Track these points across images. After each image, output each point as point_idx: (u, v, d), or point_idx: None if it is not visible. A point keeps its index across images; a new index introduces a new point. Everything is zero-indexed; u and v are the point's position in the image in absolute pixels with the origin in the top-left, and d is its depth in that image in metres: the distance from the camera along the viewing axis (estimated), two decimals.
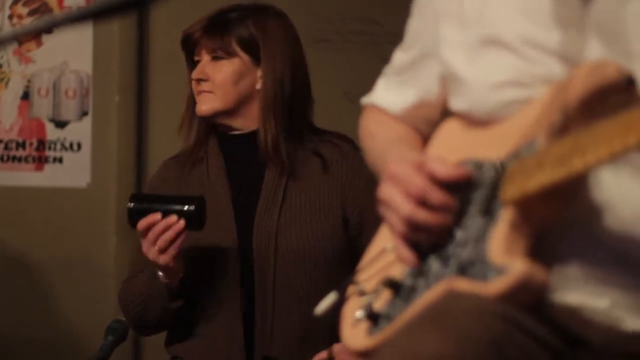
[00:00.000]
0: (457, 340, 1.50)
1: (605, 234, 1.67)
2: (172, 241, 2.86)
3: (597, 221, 1.68)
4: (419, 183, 1.73)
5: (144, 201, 2.95)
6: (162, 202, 2.92)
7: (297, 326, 2.92)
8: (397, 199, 1.75)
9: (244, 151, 3.06)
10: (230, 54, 3.02)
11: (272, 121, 3.00)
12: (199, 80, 3.03)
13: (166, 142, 3.60)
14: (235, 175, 3.06)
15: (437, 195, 1.73)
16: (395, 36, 2.06)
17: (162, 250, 2.86)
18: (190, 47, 3.07)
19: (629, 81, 1.62)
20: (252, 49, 3.02)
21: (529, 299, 1.63)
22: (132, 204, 2.94)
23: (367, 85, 2.13)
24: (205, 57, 3.03)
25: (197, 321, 3.01)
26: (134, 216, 2.91)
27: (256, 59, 3.03)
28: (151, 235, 2.87)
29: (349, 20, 3.86)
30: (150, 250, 2.88)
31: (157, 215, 2.88)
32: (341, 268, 2.93)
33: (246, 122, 3.05)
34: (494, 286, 1.61)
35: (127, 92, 3.98)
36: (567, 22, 1.71)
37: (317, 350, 2.92)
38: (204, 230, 2.92)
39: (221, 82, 3.01)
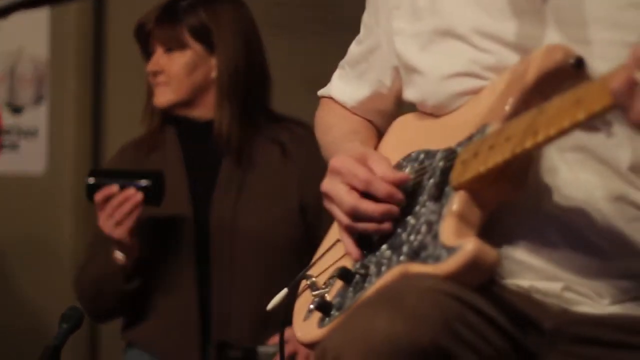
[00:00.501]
0: (408, 319, 1.51)
1: (557, 217, 1.69)
2: (128, 214, 2.85)
3: (549, 204, 1.69)
4: (362, 174, 1.75)
5: (103, 176, 2.95)
6: (121, 177, 2.92)
7: (253, 310, 2.92)
8: (340, 192, 1.76)
9: (202, 139, 3.06)
10: (183, 45, 3.01)
11: (227, 110, 3.00)
12: (154, 73, 3.02)
13: (123, 128, 3.57)
14: (192, 162, 3.06)
15: (381, 186, 1.75)
16: (353, 22, 2.06)
17: (118, 223, 2.86)
18: (143, 39, 3.06)
19: (577, 63, 1.63)
20: (204, 37, 3.01)
21: (481, 278, 1.65)
22: (91, 178, 2.93)
23: (325, 71, 2.14)
24: (158, 49, 3.02)
25: (152, 306, 3.00)
26: (92, 191, 2.91)
27: (209, 47, 3.02)
28: (108, 207, 2.86)
29: (306, 6, 3.85)
30: (107, 223, 2.87)
31: (115, 187, 2.87)
32: (299, 255, 2.93)
33: (203, 111, 3.04)
34: (446, 265, 1.63)
35: (84, 78, 3.94)
36: (523, 12, 1.72)
37: (273, 333, 2.92)
38: (160, 215, 2.91)
39: (175, 73, 3.01)
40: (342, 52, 2.08)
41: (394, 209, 1.75)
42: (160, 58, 3.02)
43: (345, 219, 1.77)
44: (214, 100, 3.02)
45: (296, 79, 3.64)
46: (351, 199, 1.75)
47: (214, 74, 3.02)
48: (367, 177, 1.75)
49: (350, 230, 1.79)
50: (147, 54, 3.06)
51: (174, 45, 3.01)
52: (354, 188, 1.76)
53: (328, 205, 1.81)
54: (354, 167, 1.76)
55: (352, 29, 2.05)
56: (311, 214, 2.97)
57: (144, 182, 2.89)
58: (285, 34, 3.74)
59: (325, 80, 2.12)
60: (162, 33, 3.01)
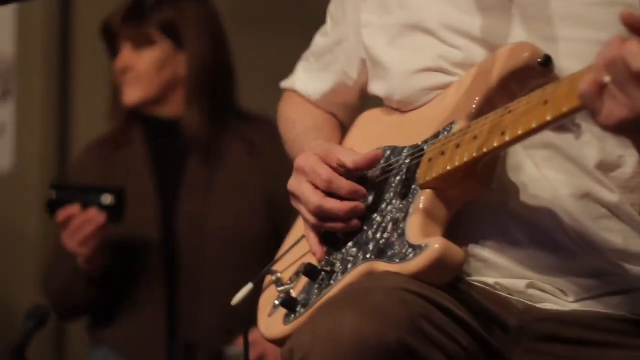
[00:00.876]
0: (375, 318, 1.51)
1: (522, 215, 1.69)
2: (91, 235, 2.83)
3: (515, 202, 1.69)
4: (323, 173, 1.75)
5: (63, 192, 2.91)
6: (82, 193, 2.88)
7: (221, 309, 2.91)
8: (305, 191, 1.76)
9: (169, 138, 3.05)
10: (152, 42, 3.00)
11: (196, 107, 2.99)
12: (122, 70, 3.00)
13: (91, 124, 3.55)
14: (159, 161, 3.05)
15: (342, 184, 1.74)
16: (320, 17, 2.05)
17: (82, 243, 2.84)
18: (109, 37, 3.04)
19: (545, 62, 1.63)
20: (172, 34, 3.00)
21: (447, 277, 1.65)
22: (52, 194, 2.90)
23: (292, 67, 2.12)
24: (126, 46, 3.00)
25: (119, 306, 2.99)
26: (53, 207, 2.88)
27: (178, 44, 3.01)
28: (71, 227, 2.84)
29: (273, 2, 3.84)
30: (70, 242, 2.85)
31: (76, 207, 2.84)
32: (268, 252, 2.92)
33: (171, 109, 3.03)
34: (412, 264, 1.63)
35: (51, 74, 3.91)
36: (490, 7, 1.72)
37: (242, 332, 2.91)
38: (127, 217, 2.90)
39: (145, 71, 2.99)
40: (307, 46, 2.07)
41: (359, 206, 1.75)
42: (128, 55, 3.00)
43: (312, 219, 1.76)
44: (181, 98, 3.01)
45: (263, 75, 3.63)
46: (316, 199, 1.74)
47: (182, 71, 3.01)
48: (328, 176, 1.75)
49: (317, 230, 1.78)
50: (113, 52, 3.05)
51: (143, 42, 2.99)
52: (317, 187, 1.75)
53: (295, 204, 1.80)
54: (317, 166, 1.76)
55: (319, 24, 2.04)
56: (279, 211, 2.96)
57: (106, 200, 2.86)
58: (252, 30, 3.73)
59: (289, 74, 2.11)
60: (130, 30, 2.99)
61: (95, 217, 2.84)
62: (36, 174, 3.86)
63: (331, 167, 1.76)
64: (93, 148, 3.13)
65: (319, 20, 2.05)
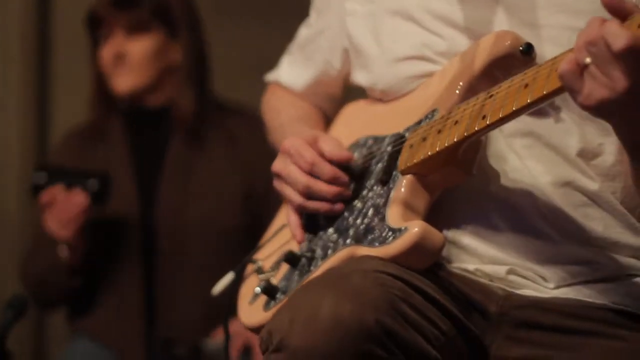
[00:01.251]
0: (354, 299, 1.51)
1: (503, 202, 1.69)
2: (74, 217, 2.82)
3: (496, 190, 1.70)
4: (307, 156, 1.76)
5: (48, 173, 2.90)
6: (68, 177, 2.88)
7: (201, 299, 2.90)
8: (293, 172, 1.77)
9: (150, 127, 3.04)
10: (146, 28, 2.98)
11: (191, 94, 2.98)
12: (117, 56, 2.97)
13: (70, 112, 3.54)
14: (139, 151, 3.03)
15: (326, 168, 1.75)
16: (301, 7, 2.05)
17: (64, 225, 2.83)
18: (96, 24, 3.02)
19: (527, 49, 1.64)
20: (167, 20, 3.00)
21: (426, 261, 1.65)
22: (37, 176, 2.89)
23: (272, 56, 2.12)
24: (118, 33, 2.98)
25: (98, 296, 2.98)
26: (38, 188, 2.87)
27: (172, 31, 3.00)
28: (54, 209, 2.83)
29: None
30: (52, 225, 2.84)
31: (60, 188, 2.84)
32: (246, 243, 2.92)
33: (160, 97, 3.02)
34: (392, 247, 1.64)
35: (30, 62, 3.89)
36: None
37: (219, 325, 2.91)
38: (107, 208, 2.89)
39: (140, 57, 2.98)
40: (289, 38, 2.07)
41: (346, 192, 1.76)
42: (121, 42, 2.97)
43: (298, 198, 1.77)
44: (169, 86, 3.00)
45: (245, 66, 3.63)
46: (305, 178, 1.76)
47: (174, 58, 3.00)
48: (312, 159, 1.76)
49: (301, 210, 1.79)
50: (97, 40, 3.02)
51: (137, 28, 2.97)
52: (301, 169, 1.76)
53: (279, 185, 1.81)
54: (302, 149, 1.77)
55: (303, 16, 2.04)
56: (258, 201, 2.96)
57: (90, 184, 2.86)
58: (235, 21, 3.73)
59: (272, 65, 2.11)
60: (122, 16, 2.97)
61: (79, 199, 2.83)
62: (16, 164, 3.84)
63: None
64: (72, 137, 3.11)
65: (303, 11, 2.05)
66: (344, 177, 1.76)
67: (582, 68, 1.45)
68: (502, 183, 1.69)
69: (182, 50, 3.00)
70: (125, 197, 2.98)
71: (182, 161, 3.00)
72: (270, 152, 3.14)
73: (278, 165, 1.80)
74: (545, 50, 1.65)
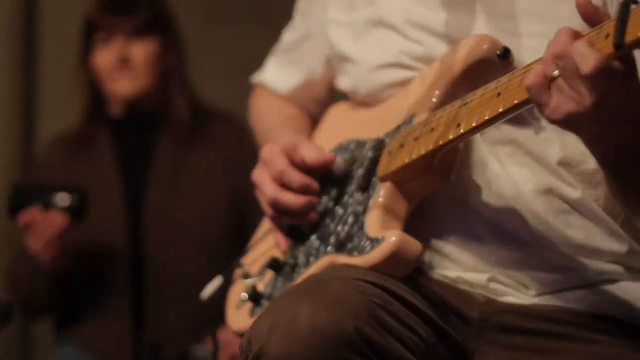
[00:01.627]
0: (333, 306, 1.51)
1: (485, 211, 1.70)
2: (54, 238, 2.82)
3: (478, 198, 1.70)
4: (278, 165, 1.76)
5: (25, 193, 2.88)
6: (44, 194, 2.85)
7: (187, 308, 2.90)
8: (264, 182, 1.78)
9: (138, 133, 3.04)
10: (147, 33, 3.00)
11: (186, 99, 3.01)
12: (121, 61, 2.98)
13: (56, 119, 3.52)
14: (126, 157, 3.04)
15: (294, 177, 1.76)
16: (289, 13, 2.06)
17: (45, 246, 2.82)
18: (93, 30, 3.02)
19: (503, 54, 1.64)
20: (163, 26, 3.02)
21: (405, 269, 1.65)
22: (12, 196, 2.87)
23: (260, 62, 2.13)
24: (119, 39, 2.99)
25: (85, 304, 2.97)
26: (14, 209, 2.85)
27: (165, 34, 3.02)
28: (33, 230, 2.82)
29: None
30: (33, 245, 2.83)
31: (37, 210, 2.82)
32: (234, 248, 2.92)
33: (154, 102, 3.03)
34: (370, 257, 1.64)
35: (16, 68, 3.88)
36: (455, 3, 1.72)
37: (209, 332, 2.91)
38: (93, 214, 2.88)
39: (144, 61, 3.00)
40: (274, 42, 2.07)
41: (313, 200, 1.76)
42: (123, 47, 2.98)
43: (269, 210, 1.78)
44: (162, 89, 3.01)
45: (232, 73, 3.63)
46: (272, 190, 1.76)
47: (170, 63, 3.02)
48: (282, 167, 1.76)
49: (276, 222, 1.79)
50: (89, 47, 3.03)
51: (139, 33, 2.99)
52: (272, 178, 1.77)
53: (258, 194, 1.82)
54: (275, 157, 1.78)
55: (286, 20, 2.05)
56: (245, 206, 2.96)
57: (68, 201, 2.83)
58: (219, 25, 3.73)
59: (257, 70, 2.12)
60: (123, 21, 2.98)
61: (57, 219, 2.82)
62: (2, 171, 3.83)
63: (294, 161, 1.77)
64: (59, 144, 3.11)
65: (286, 15, 2.06)
66: (314, 185, 1.77)
67: (550, 80, 1.44)
68: (484, 191, 1.70)
69: (177, 54, 3.02)
70: (112, 204, 2.98)
71: (170, 167, 3.00)
72: (256, 156, 3.16)
73: (255, 174, 1.81)
74: (526, 59, 1.65)
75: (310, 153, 1.77)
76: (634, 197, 1.58)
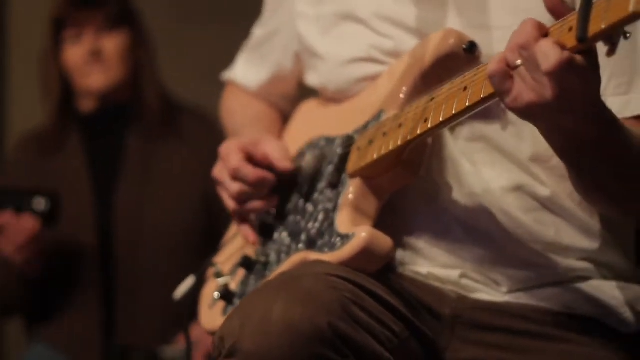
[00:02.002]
0: (306, 302, 1.50)
1: (456, 207, 1.70)
2: (27, 242, 2.80)
3: (448, 195, 1.71)
4: (232, 161, 1.78)
5: None
6: (16, 198, 2.83)
7: (160, 306, 2.89)
8: (225, 177, 1.78)
9: (108, 129, 3.03)
10: (117, 25, 2.99)
11: (156, 91, 3.00)
12: (93, 53, 2.97)
13: (26, 116, 3.50)
14: (96, 155, 3.02)
15: (248, 172, 1.77)
16: (254, 11, 2.06)
17: (18, 249, 2.81)
18: (61, 26, 3.01)
19: (469, 48, 1.64)
20: (131, 18, 3.02)
21: (376, 265, 1.66)
22: None
23: (230, 59, 2.13)
24: (89, 32, 2.98)
25: (56, 304, 2.96)
26: None
27: (133, 27, 3.02)
28: (5, 235, 2.80)
29: None
30: (6, 248, 2.82)
31: (9, 214, 2.81)
32: (204, 248, 2.91)
33: (125, 95, 3.03)
34: (340, 253, 1.64)
35: None
36: None
37: (180, 331, 2.90)
38: (64, 216, 2.87)
39: (116, 53, 2.99)
40: (244, 40, 2.07)
41: (268, 177, 1.77)
42: (94, 40, 2.97)
43: (232, 204, 1.78)
44: (131, 82, 3.00)
45: (203, 71, 3.62)
46: (234, 185, 1.78)
47: (140, 56, 3.01)
48: (236, 164, 1.77)
49: (237, 215, 1.80)
50: (60, 42, 3.01)
51: (109, 25, 2.98)
52: (229, 173, 1.78)
53: (219, 190, 1.82)
54: (231, 154, 1.79)
55: (256, 16, 2.05)
56: (215, 204, 2.96)
57: (40, 205, 2.82)
58: (188, 22, 3.72)
59: (227, 67, 2.12)
60: (94, 14, 2.97)
61: (29, 224, 2.80)
62: None
63: (254, 156, 1.78)
64: (28, 144, 3.09)
65: (256, 12, 2.06)
66: (269, 178, 1.77)
67: (512, 69, 1.43)
68: (455, 188, 1.70)
69: (146, 46, 3.01)
70: (83, 204, 2.96)
71: (140, 164, 2.99)
72: None
73: (215, 170, 1.82)
74: (496, 51, 1.63)
75: (272, 150, 1.78)
76: (592, 189, 1.58)
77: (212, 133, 2.98)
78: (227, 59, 2.15)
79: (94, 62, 2.97)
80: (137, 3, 3.12)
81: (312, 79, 1.87)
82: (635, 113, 1.62)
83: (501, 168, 1.70)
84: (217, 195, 2.94)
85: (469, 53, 1.63)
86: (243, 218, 1.82)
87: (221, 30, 3.54)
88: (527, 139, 1.69)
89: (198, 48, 3.68)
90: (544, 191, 1.69)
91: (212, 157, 2.98)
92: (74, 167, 2.99)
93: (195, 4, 3.78)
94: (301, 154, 1.84)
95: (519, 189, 1.69)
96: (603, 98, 1.46)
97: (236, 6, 3.52)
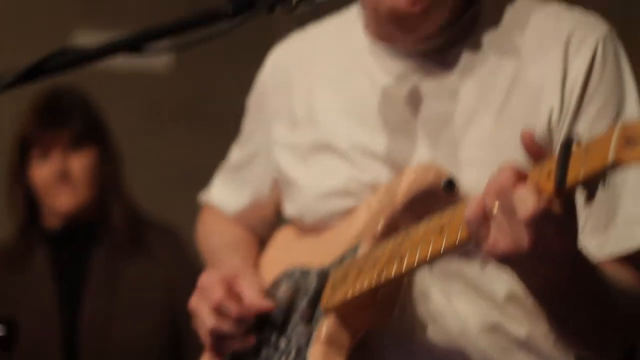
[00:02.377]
0: None
1: (430, 345, 1.67)
2: None
3: (423, 333, 1.67)
4: (214, 295, 1.74)
5: None
6: None
7: None
8: (203, 312, 1.75)
9: (74, 244, 3.00)
10: (84, 143, 2.97)
11: (123, 209, 2.97)
12: (62, 174, 2.94)
13: None
14: (62, 271, 2.98)
15: (231, 309, 1.74)
16: (223, 117, 2.04)
17: None
18: (28, 146, 2.98)
19: (448, 185, 1.62)
20: (98, 136, 3.00)
21: None
22: None
23: (200, 168, 2.09)
24: (57, 151, 2.95)
25: None
26: None
27: (100, 145, 2.99)
28: None
29: (179, 102, 3.84)
30: None
31: None
32: None
33: (92, 214, 2.99)
34: None
35: None
36: (395, 126, 1.71)
37: None
38: (29, 333, 2.81)
39: (83, 173, 2.97)
40: (212, 146, 2.05)
41: (248, 319, 1.73)
42: (61, 160, 2.94)
43: (208, 339, 1.75)
44: (98, 199, 2.95)
45: (168, 174, 3.60)
46: (211, 320, 1.74)
47: (107, 173, 2.98)
48: (218, 299, 1.74)
49: (215, 350, 1.76)
50: (25, 162, 2.98)
51: (76, 144, 2.95)
52: (209, 308, 1.75)
53: (195, 323, 1.79)
54: (213, 287, 1.75)
55: (223, 124, 2.03)
56: (182, 319, 2.92)
57: None
58: (160, 129, 3.71)
59: (197, 176, 2.09)
60: (61, 133, 2.94)
61: None
62: None
63: (233, 290, 1.76)
64: None
65: (232, 120, 2.03)
66: (250, 317, 1.74)
67: (489, 214, 1.40)
68: (430, 326, 1.67)
69: (113, 163, 2.98)
70: (48, 320, 2.92)
71: (105, 281, 2.96)
72: (192, 270, 3.11)
73: (192, 302, 1.78)
74: (465, 185, 1.63)
75: (248, 291, 1.75)
76: (568, 334, 1.55)
77: (178, 247, 2.95)
78: (195, 167, 2.12)
79: (61, 182, 2.94)
80: (106, 113, 3.09)
81: (290, 209, 1.84)
82: (613, 254, 1.61)
83: (477, 307, 1.67)
84: (182, 313, 2.92)
85: (447, 190, 1.61)
86: (218, 353, 1.78)
87: (191, 136, 3.55)
88: (502, 278, 1.66)
89: (166, 158, 3.67)
90: (519, 331, 1.67)
91: (178, 274, 2.97)
92: (39, 284, 2.95)
93: (165, 112, 3.78)
94: (276, 284, 1.80)
95: (494, 328, 1.67)
96: (580, 237, 1.44)
97: (209, 112, 3.53)
